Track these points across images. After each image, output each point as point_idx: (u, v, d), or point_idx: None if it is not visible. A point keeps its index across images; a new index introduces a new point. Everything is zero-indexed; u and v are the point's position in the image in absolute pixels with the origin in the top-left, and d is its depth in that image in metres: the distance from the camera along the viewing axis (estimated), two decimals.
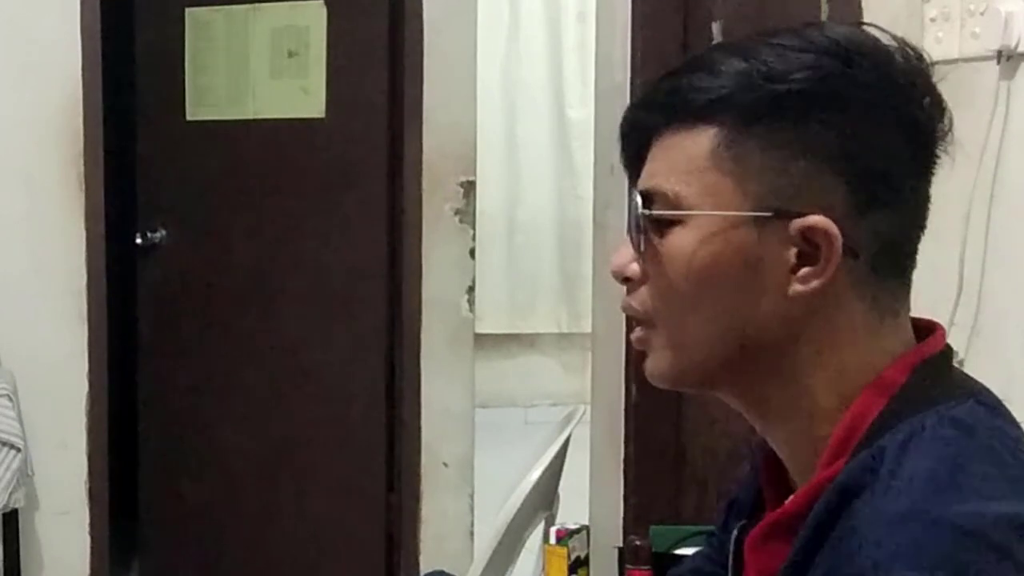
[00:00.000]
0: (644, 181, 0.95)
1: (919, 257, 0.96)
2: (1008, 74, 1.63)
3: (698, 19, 2.65)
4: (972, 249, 1.68)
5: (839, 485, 0.86)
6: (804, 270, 0.90)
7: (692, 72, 0.94)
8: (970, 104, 1.69)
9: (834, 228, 0.89)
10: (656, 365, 0.97)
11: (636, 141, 0.97)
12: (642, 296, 0.96)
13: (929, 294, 1.73)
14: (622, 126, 0.99)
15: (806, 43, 0.91)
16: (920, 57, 0.93)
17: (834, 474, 0.87)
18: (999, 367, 1.62)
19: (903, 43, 0.93)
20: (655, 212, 0.94)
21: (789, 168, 0.90)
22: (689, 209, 0.92)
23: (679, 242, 0.93)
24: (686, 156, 0.93)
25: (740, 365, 0.94)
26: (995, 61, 1.64)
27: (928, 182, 0.95)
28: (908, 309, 0.96)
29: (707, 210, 0.91)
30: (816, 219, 0.89)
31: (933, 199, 0.96)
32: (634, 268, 0.96)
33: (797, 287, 0.90)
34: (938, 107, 0.93)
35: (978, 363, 1.66)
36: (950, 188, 1.70)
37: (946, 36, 1.74)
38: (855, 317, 0.92)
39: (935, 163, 0.94)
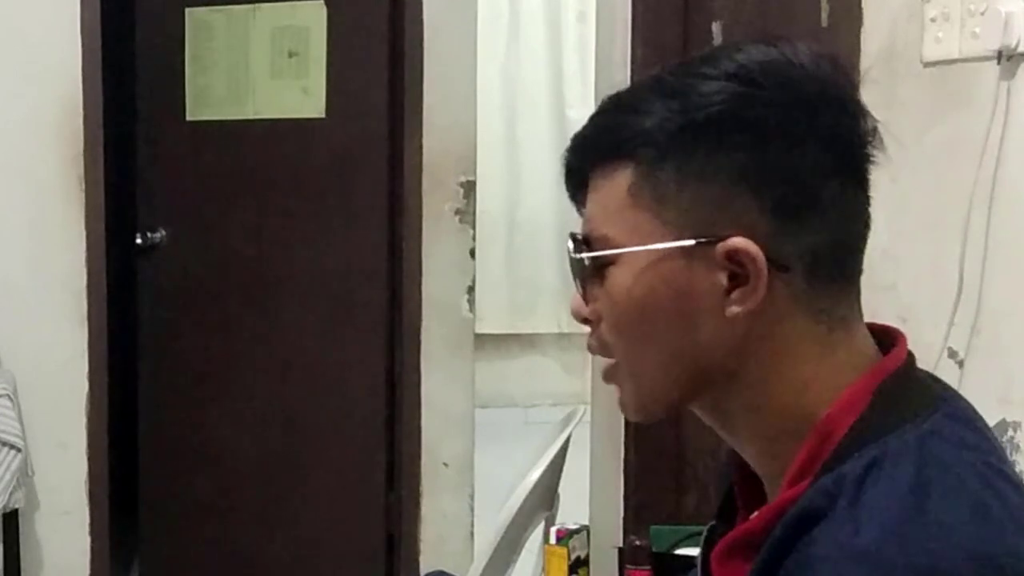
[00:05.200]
0: (582, 226, 0.98)
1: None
2: (1008, 74, 1.63)
3: (698, 19, 2.65)
4: (972, 249, 1.68)
5: (798, 511, 0.86)
6: (737, 292, 0.91)
7: (612, 111, 0.97)
8: (970, 104, 1.69)
9: (754, 247, 0.90)
10: (624, 401, 1.00)
11: (575, 184, 1.00)
12: (599, 334, 0.99)
13: (929, 294, 1.74)
14: (562, 172, 1.01)
15: (715, 70, 0.93)
16: (836, 65, 0.94)
17: (796, 495, 0.88)
18: (999, 367, 1.62)
19: (818, 53, 0.94)
20: (582, 255, 0.96)
21: (704, 195, 0.92)
22: (616, 249, 0.94)
23: (615, 281, 0.95)
24: (610, 196, 0.95)
25: (698, 389, 0.95)
26: (995, 61, 1.64)
27: (860, 186, 0.95)
28: (860, 317, 0.96)
29: (632, 247, 0.94)
30: (736, 241, 0.90)
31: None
32: (586, 310, 0.99)
33: (734, 309, 0.92)
34: (856, 113, 0.94)
35: (978, 363, 1.66)
36: (950, 188, 1.71)
37: (946, 36, 1.74)
38: (802, 331, 0.93)
39: (864, 166, 0.95)
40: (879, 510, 0.83)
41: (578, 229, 0.99)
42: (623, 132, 0.94)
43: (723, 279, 0.92)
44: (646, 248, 0.93)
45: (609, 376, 1.00)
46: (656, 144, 0.92)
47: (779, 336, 0.92)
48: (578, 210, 1.01)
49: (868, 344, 0.96)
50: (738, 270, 0.91)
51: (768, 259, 0.90)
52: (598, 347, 0.99)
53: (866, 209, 0.96)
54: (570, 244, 0.97)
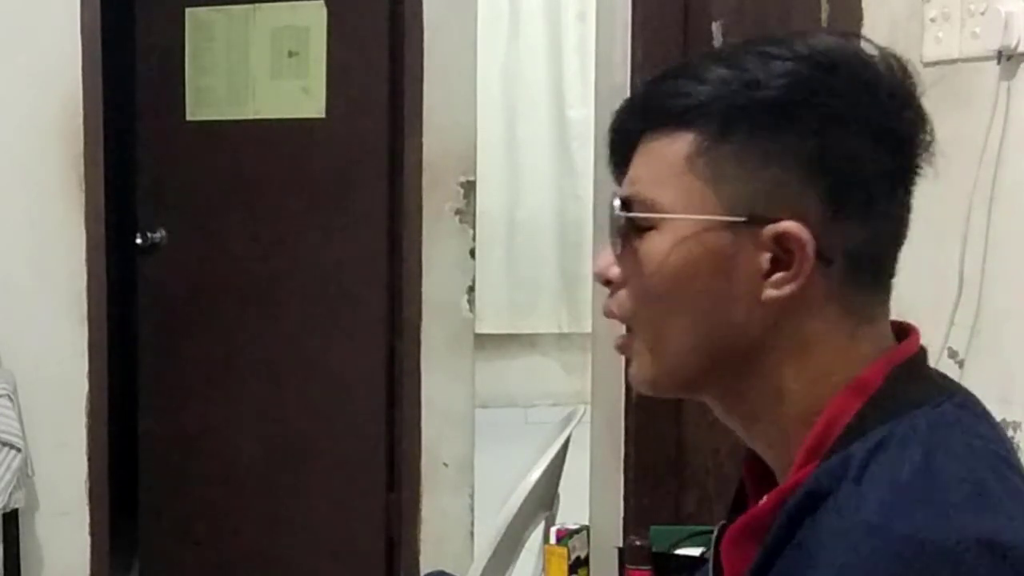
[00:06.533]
0: (625, 187, 0.97)
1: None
2: (1008, 74, 1.63)
3: (698, 19, 2.64)
4: (972, 249, 1.68)
5: (805, 490, 0.87)
6: (777, 275, 0.91)
7: (675, 78, 0.95)
8: (970, 104, 1.69)
9: (807, 234, 0.90)
10: (638, 371, 0.98)
11: (621, 145, 0.99)
12: (621, 299, 0.98)
13: (929, 294, 1.74)
14: (609, 131, 1.00)
15: (787, 51, 0.92)
16: (904, 68, 0.94)
17: (804, 477, 0.88)
18: (999, 367, 1.62)
19: (888, 53, 0.94)
20: (630, 215, 0.95)
21: (764, 174, 0.91)
22: (664, 213, 0.93)
23: (654, 246, 0.94)
24: (664, 161, 0.94)
25: (717, 369, 0.95)
26: (995, 61, 1.64)
27: (908, 192, 0.95)
28: (887, 315, 0.96)
29: (681, 214, 0.93)
30: (789, 225, 0.90)
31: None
32: (615, 271, 0.98)
33: (771, 292, 0.91)
34: (920, 118, 0.94)
35: (978, 363, 1.66)
36: (950, 188, 1.71)
37: (946, 36, 1.74)
38: (829, 323, 0.92)
39: (916, 173, 0.94)
40: (882, 486, 0.83)
41: (621, 192, 0.97)
42: (688, 99, 0.93)
43: (765, 262, 0.91)
44: (695, 218, 0.92)
45: (625, 347, 0.99)
46: (721, 117, 0.92)
47: (808, 327, 0.92)
48: (616, 174, 0.99)
49: (891, 341, 0.96)
50: (782, 255, 0.91)
51: (815, 248, 0.90)
52: (618, 311, 0.98)
53: (908, 214, 0.95)
54: (616, 202, 0.96)
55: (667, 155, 0.94)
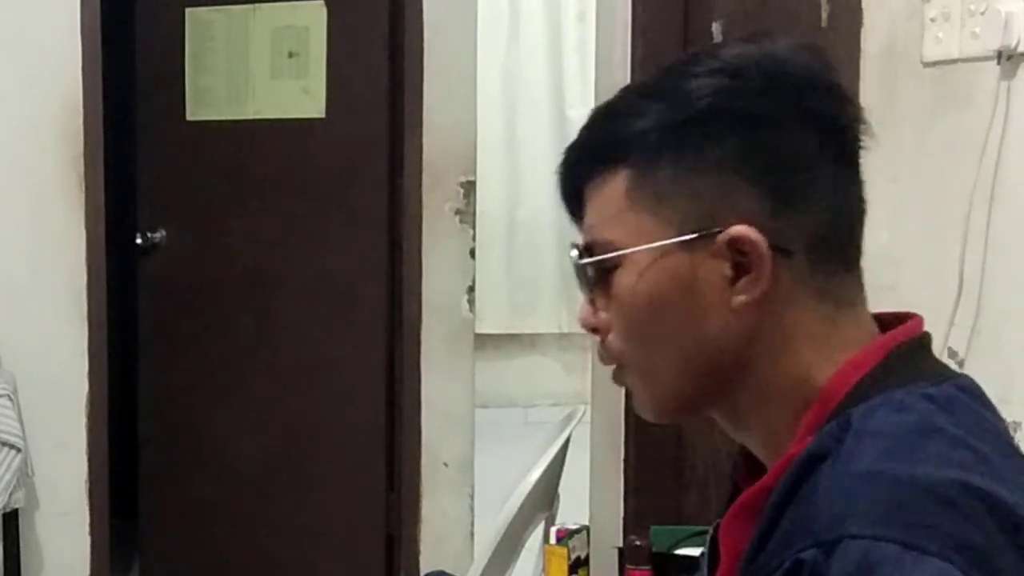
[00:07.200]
0: (583, 236, 1.00)
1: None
2: (1008, 74, 1.63)
3: (698, 19, 2.65)
4: (972, 249, 1.68)
5: (806, 454, 0.88)
6: (742, 281, 0.93)
7: (599, 122, 0.99)
8: (970, 104, 1.69)
9: (755, 233, 0.91)
10: (639, 403, 1.01)
11: (572, 198, 1.01)
12: (608, 343, 1.00)
13: (929, 294, 1.74)
14: (557, 187, 1.02)
15: (698, 68, 0.95)
16: (816, 53, 0.96)
17: (804, 447, 0.89)
18: (999, 367, 1.63)
19: (798, 44, 0.96)
20: (585, 260, 0.98)
21: (700, 188, 0.93)
22: (620, 250, 0.95)
23: (621, 284, 0.96)
24: (608, 202, 0.97)
25: (712, 384, 0.96)
26: (995, 61, 1.64)
27: (851, 169, 0.96)
28: (864, 301, 0.97)
29: (636, 247, 0.95)
30: (736, 229, 0.92)
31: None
32: (594, 319, 1.00)
33: (741, 298, 0.93)
34: (838, 96, 0.96)
35: (978, 363, 1.66)
36: (950, 188, 1.71)
37: (946, 36, 1.74)
38: (808, 314, 0.94)
39: (852, 149, 0.96)
40: (880, 439, 0.84)
41: (579, 241, 1.00)
42: (614, 138, 0.96)
43: (727, 269, 0.93)
44: (648, 247, 0.94)
45: (618, 378, 1.01)
46: (648, 145, 0.94)
47: (787, 321, 0.93)
48: (576, 224, 1.02)
49: (873, 327, 0.97)
50: (741, 259, 0.92)
51: (770, 245, 0.91)
52: (608, 356, 1.00)
53: (860, 192, 0.97)
54: (574, 253, 0.99)
55: (609, 195, 0.96)
